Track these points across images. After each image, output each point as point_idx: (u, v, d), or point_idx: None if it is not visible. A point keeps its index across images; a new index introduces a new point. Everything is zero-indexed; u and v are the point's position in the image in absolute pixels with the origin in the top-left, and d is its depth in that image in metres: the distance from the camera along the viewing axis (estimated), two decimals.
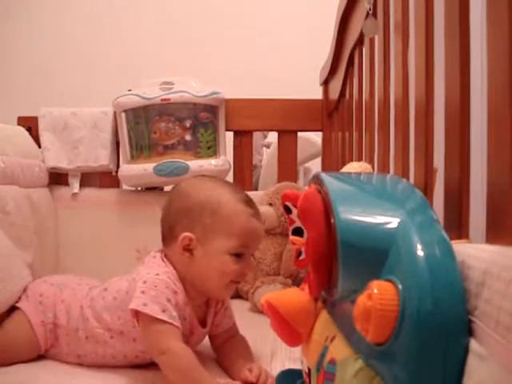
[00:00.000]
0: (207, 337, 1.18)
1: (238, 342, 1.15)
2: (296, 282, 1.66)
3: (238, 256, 1.06)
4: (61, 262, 1.88)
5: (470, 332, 0.47)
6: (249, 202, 1.10)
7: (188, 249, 1.07)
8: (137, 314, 1.00)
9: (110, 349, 1.10)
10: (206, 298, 1.13)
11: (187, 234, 1.06)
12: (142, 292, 1.01)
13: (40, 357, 1.17)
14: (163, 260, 1.10)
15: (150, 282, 1.02)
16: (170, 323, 0.99)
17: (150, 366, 1.07)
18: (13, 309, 1.21)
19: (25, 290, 1.26)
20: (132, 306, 1.00)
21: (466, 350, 0.46)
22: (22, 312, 1.19)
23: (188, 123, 1.88)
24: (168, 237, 1.11)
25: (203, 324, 1.12)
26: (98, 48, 3.01)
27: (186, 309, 1.06)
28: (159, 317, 0.98)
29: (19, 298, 1.24)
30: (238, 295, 1.79)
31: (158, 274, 1.04)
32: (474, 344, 0.46)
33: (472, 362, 0.45)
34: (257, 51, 2.94)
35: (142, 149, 1.90)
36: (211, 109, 1.90)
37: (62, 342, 1.15)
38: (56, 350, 1.17)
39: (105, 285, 1.17)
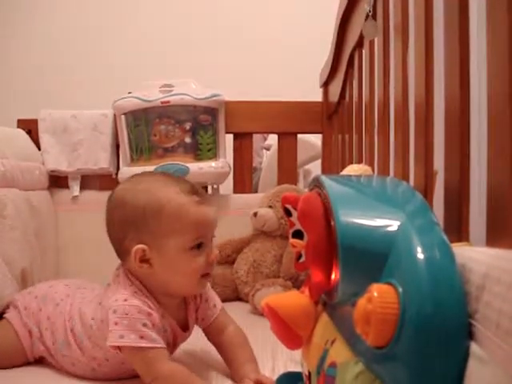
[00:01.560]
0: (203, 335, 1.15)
1: (232, 336, 1.11)
2: (296, 284, 1.66)
3: (198, 248, 1.01)
4: (61, 265, 1.89)
5: (471, 335, 0.46)
6: (191, 190, 1.03)
7: (144, 260, 1.01)
8: (118, 347, 0.97)
9: (99, 373, 1.07)
10: (181, 298, 1.09)
11: (138, 246, 1.00)
12: (115, 323, 0.97)
13: (33, 363, 1.16)
14: (128, 277, 1.04)
15: (120, 311, 0.97)
16: (152, 347, 0.96)
17: None
18: (0, 317, 1.20)
19: (12, 300, 1.23)
20: (109, 342, 0.97)
21: (466, 354, 0.46)
22: (8, 322, 1.17)
23: (188, 125, 1.88)
24: (121, 252, 1.06)
25: (185, 327, 1.09)
26: (98, 50, 3.01)
27: (164, 322, 1.03)
28: (139, 345, 0.95)
29: (8, 307, 1.22)
30: (238, 297, 1.79)
31: (126, 300, 0.99)
32: (474, 347, 0.45)
33: (473, 366, 0.45)
34: (256, 53, 2.94)
35: (141, 151, 1.90)
36: (211, 111, 1.91)
37: (53, 360, 1.13)
38: (49, 362, 1.15)
39: (83, 305, 1.11)
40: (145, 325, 0.97)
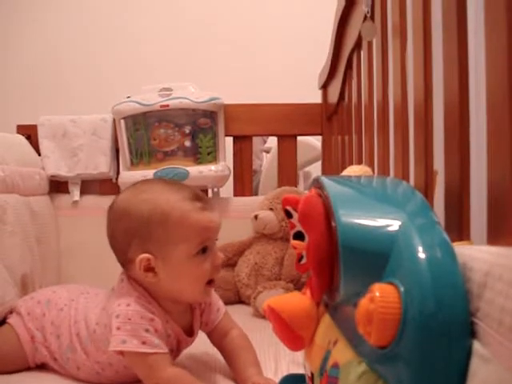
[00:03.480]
0: (206, 338, 1.15)
1: (236, 339, 1.12)
2: (298, 286, 1.66)
3: (203, 253, 1.02)
4: (62, 270, 1.88)
5: (473, 333, 0.46)
6: (194, 197, 1.03)
7: (149, 268, 1.01)
8: (120, 351, 0.98)
9: (103, 378, 1.07)
10: (184, 305, 1.09)
11: (143, 255, 0.99)
12: (118, 328, 0.97)
13: (35, 368, 1.16)
14: (131, 283, 1.05)
15: (122, 316, 0.98)
16: (154, 353, 0.96)
17: None
18: (3, 322, 1.20)
19: (15, 306, 1.23)
20: (111, 347, 0.97)
21: (469, 352, 0.46)
22: (11, 327, 1.17)
23: (187, 129, 1.88)
24: (125, 261, 1.05)
25: (190, 332, 1.10)
26: (97, 55, 3.01)
27: (167, 327, 1.03)
28: (141, 351, 0.95)
29: (10, 313, 1.22)
30: (239, 300, 1.79)
31: (129, 305, 0.99)
32: (476, 345, 0.45)
33: (475, 364, 0.45)
34: (255, 56, 2.94)
35: (141, 155, 1.91)
36: (210, 114, 1.91)
37: (57, 365, 1.13)
38: (51, 368, 1.15)
39: (86, 309, 1.11)
40: (147, 330, 0.97)
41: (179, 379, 0.96)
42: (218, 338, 1.14)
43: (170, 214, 1.00)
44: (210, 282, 1.05)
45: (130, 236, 1.02)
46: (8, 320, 1.19)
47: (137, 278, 1.04)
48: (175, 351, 1.07)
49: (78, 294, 1.20)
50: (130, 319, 0.97)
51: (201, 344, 1.16)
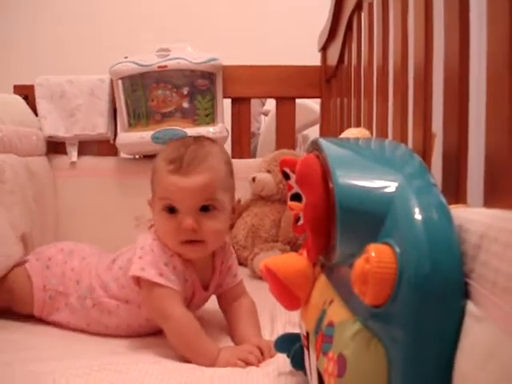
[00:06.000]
0: (215, 298, 1.18)
1: (243, 305, 1.14)
2: (294, 248, 1.67)
3: (169, 212, 1.04)
4: (60, 230, 1.89)
5: (467, 294, 0.47)
6: (173, 159, 1.04)
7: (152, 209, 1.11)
8: (138, 280, 1.02)
9: (114, 317, 1.12)
10: (207, 260, 1.12)
11: (149, 197, 1.11)
12: (140, 257, 1.02)
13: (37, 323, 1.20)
14: None
15: (147, 247, 1.04)
16: (169, 287, 1.00)
17: (153, 335, 1.10)
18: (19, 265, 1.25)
19: (35, 251, 1.29)
20: (130, 272, 1.02)
21: (462, 312, 0.47)
22: (27, 272, 1.21)
23: (185, 90, 1.87)
24: None
25: (206, 287, 1.12)
26: (94, 15, 2.97)
27: (186, 271, 1.06)
28: (156, 280, 0.99)
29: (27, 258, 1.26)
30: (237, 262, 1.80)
31: (154, 239, 1.06)
32: (470, 306, 0.46)
33: (469, 324, 0.46)
34: (254, 17, 2.90)
35: (139, 117, 1.89)
36: (208, 76, 1.89)
37: (68, 310, 1.17)
38: (57, 319, 1.18)
39: (114, 256, 1.18)
40: (166, 264, 1.02)
41: (187, 322, 0.99)
42: (226, 301, 1.17)
43: (155, 167, 1.09)
44: (186, 243, 1.04)
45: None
46: (26, 265, 1.23)
47: None
48: (188, 302, 1.09)
49: (99, 251, 1.27)
50: (152, 250, 1.03)
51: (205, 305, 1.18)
